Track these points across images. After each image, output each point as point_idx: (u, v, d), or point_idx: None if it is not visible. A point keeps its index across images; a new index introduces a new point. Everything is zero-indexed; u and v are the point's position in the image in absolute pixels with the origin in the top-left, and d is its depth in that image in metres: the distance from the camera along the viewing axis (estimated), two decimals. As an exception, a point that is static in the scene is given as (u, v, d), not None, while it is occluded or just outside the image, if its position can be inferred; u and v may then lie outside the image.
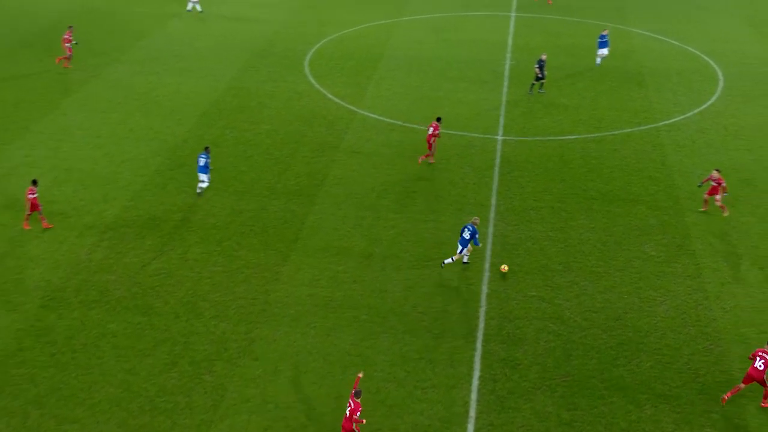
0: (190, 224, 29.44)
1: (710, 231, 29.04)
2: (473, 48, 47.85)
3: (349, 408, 19.50)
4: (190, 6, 53.15)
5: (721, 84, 42.04)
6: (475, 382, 22.24)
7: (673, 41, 48.44)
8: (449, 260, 26.74)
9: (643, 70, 43.97)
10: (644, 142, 35.91)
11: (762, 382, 21.17)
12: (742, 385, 21.34)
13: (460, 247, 26.57)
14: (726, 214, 29.45)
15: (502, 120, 38.28)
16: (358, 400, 19.50)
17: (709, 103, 39.84)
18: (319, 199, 31.24)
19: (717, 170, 29.56)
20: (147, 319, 24.43)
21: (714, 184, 29.38)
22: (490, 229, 29.31)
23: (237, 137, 35.22)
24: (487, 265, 27.33)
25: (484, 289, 26.13)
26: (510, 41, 49.00)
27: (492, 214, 30.28)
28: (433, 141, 33.61)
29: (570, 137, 36.49)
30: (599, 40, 43.57)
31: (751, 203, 30.86)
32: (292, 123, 37.73)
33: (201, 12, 52.90)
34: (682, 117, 38.30)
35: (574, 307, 25.23)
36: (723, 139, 36.06)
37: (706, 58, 45.69)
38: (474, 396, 21.79)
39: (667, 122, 37.75)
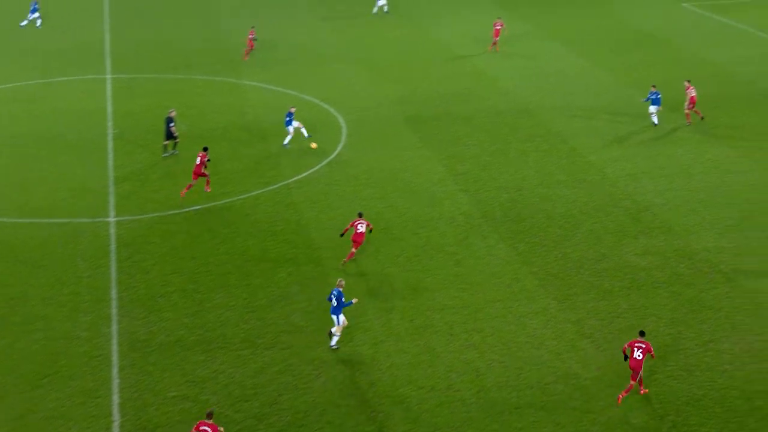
0: None
1: (354, 288, 30.79)
2: (68, 119, 46.49)
3: None
4: None
5: (344, 131, 45.30)
6: None
7: (290, 91, 51.31)
8: (331, 334, 27.59)
9: (265, 125, 45.89)
10: (276, 203, 37.34)
11: (638, 373, 24.73)
12: (632, 382, 24.85)
13: (335, 317, 27.35)
14: (342, 264, 31.87)
15: (112, 199, 37.43)
16: (211, 421, 21.89)
17: (336, 152, 42.67)
18: None
19: (360, 213, 32.39)
20: None
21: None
22: (114, 328, 28.32)
23: None
24: (114, 371, 26.25)
25: (115, 399, 25.05)
26: (110, 107, 48.37)
27: (114, 310, 29.31)
28: (204, 170, 36.86)
29: (195, 208, 36.76)
30: (287, 118, 42.79)
31: (392, 253, 33.39)
32: None
33: None
34: (311, 170, 40.51)
35: (223, 401, 25.12)
36: (354, 190, 38.74)
37: (325, 105, 49.03)
38: None
39: (297, 178, 39.69)
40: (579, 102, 49.67)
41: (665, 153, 42.32)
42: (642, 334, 25.48)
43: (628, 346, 25.15)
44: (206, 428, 21.69)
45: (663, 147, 43.06)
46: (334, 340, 27.47)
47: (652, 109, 45.30)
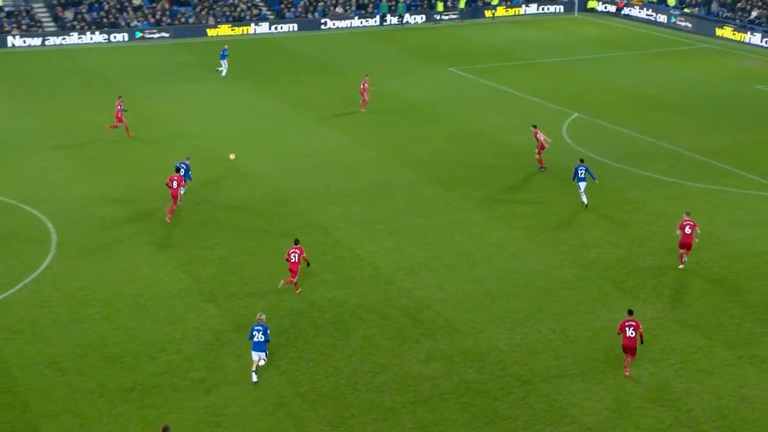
0: None
1: (79, 437, 29.47)
2: None
3: None
4: None
5: (54, 239, 43.78)
6: None
7: (-20, 192, 49.31)
8: (254, 373, 31.79)
9: (-54, 237, 43.69)
10: (-34, 336, 35.31)
11: (633, 351, 31.08)
12: (627, 357, 31.43)
13: (256, 354, 31.54)
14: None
15: None
16: None
17: (44, 266, 41.04)
18: None
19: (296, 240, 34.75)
20: None
21: None
22: None
23: None
24: None
25: None
26: None
27: None
28: (180, 192, 44.96)
29: None
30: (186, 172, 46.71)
31: (123, 386, 32.10)
32: None
33: None
34: (12, 291, 38.72)
35: None
36: (71, 311, 37.20)
37: (26, 207, 47.29)
38: None
39: (-8, 302, 37.87)
40: (339, 185, 50.85)
41: (441, 240, 43.93)
42: (630, 312, 31.90)
43: (620, 327, 31.24)
44: None
45: (439, 233, 44.69)
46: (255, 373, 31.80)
47: (581, 186, 47.24)
